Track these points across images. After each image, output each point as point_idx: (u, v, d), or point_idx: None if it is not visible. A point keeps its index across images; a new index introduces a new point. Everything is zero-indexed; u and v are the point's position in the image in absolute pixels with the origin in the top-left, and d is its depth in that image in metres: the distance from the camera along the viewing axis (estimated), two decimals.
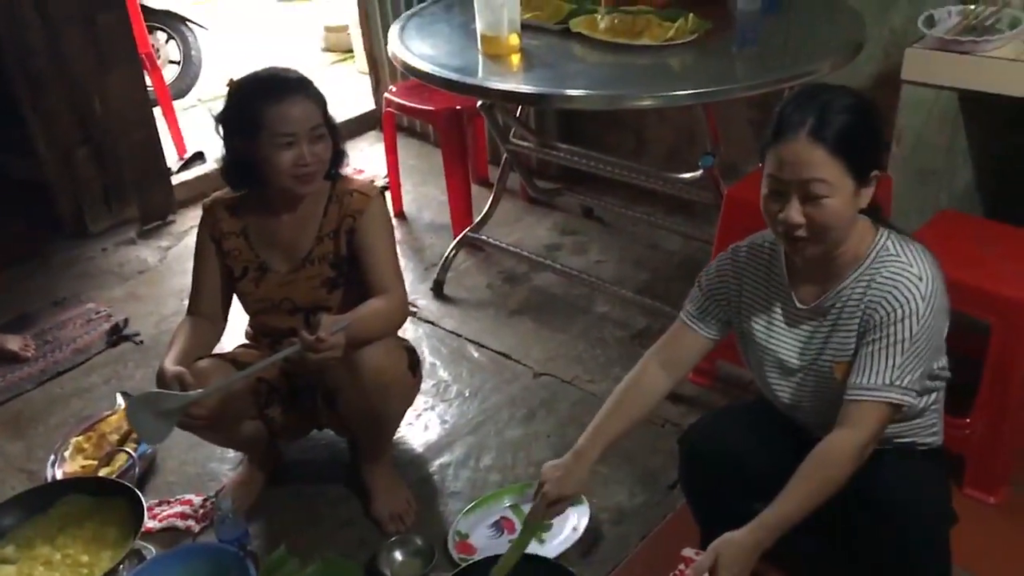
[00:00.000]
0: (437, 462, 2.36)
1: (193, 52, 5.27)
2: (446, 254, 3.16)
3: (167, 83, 4.54)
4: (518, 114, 3.13)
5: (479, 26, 2.51)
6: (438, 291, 3.11)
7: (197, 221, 2.12)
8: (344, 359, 1.91)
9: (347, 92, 4.90)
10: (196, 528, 2.17)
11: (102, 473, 2.26)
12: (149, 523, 2.14)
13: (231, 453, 2.38)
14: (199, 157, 4.11)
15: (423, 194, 3.81)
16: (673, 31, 2.48)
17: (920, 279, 1.46)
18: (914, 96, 2.32)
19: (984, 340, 1.99)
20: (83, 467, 2.31)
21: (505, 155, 3.20)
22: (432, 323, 2.96)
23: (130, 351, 2.93)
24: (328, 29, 6.04)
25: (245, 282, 2.07)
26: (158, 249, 3.56)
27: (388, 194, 3.68)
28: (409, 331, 2.91)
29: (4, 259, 3.46)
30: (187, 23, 5.21)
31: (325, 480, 2.31)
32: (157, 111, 3.96)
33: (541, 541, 2.05)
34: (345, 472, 2.30)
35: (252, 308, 2.12)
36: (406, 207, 3.70)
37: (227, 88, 1.99)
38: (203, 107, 5.07)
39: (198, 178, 3.91)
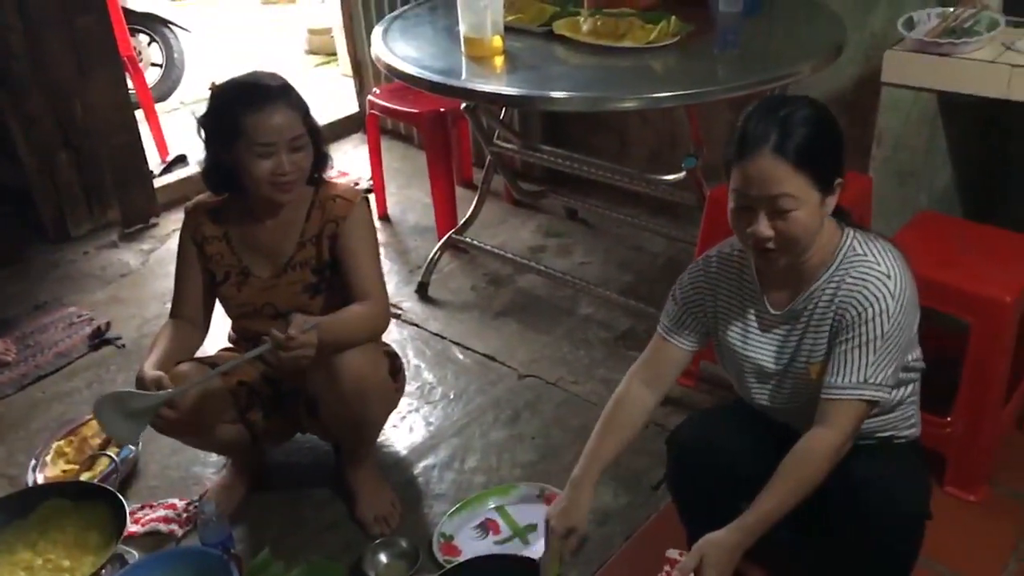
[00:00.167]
0: (422, 464, 2.36)
1: (175, 55, 5.25)
2: (431, 256, 3.16)
3: (149, 86, 4.52)
4: (502, 116, 3.14)
5: (462, 28, 2.52)
6: (423, 293, 3.11)
7: (179, 224, 2.11)
8: (323, 364, 1.91)
9: (331, 95, 4.89)
10: (179, 532, 2.16)
11: (84, 477, 2.25)
12: (132, 527, 2.13)
13: (214, 457, 2.37)
14: (181, 160, 4.09)
15: (407, 196, 3.80)
16: (655, 33, 2.49)
17: (888, 277, 1.48)
18: (894, 98, 2.34)
19: (964, 340, 2.01)
20: (64, 471, 2.30)
21: (489, 157, 3.20)
22: (417, 325, 2.96)
23: (112, 355, 2.91)
24: (312, 32, 6.04)
25: (227, 287, 2.06)
26: (140, 252, 3.54)
27: (372, 197, 3.67)
28: (394, 333, 2.90)
29: None
30: (169, 26, 5.19)
31: (309, 483, 2.30)
32: (139, 114, 3.95)
33: (526, 543, 2.06)
34: (329, 475, 2.29)
35: (234, 313, 2.11)
36: (390, 210, 3.70)
37: (209, 92, 1.98)
38: (186, 110, 5.06)
39: (180, 181, 3.89)
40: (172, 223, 3.66)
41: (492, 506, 2.17)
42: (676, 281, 1.75)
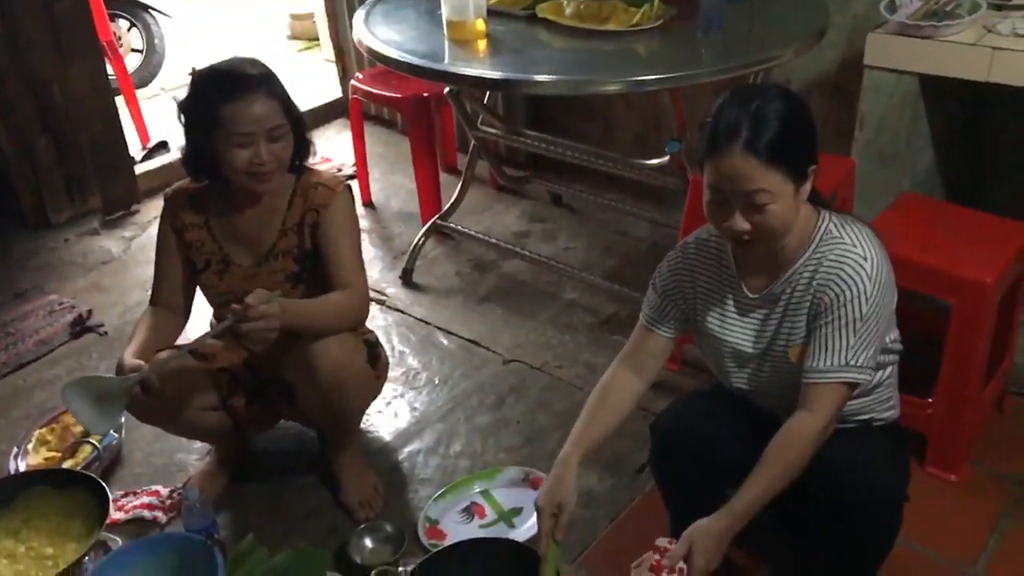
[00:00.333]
0: (407, 449, 2.36)
1: (156, 40, 5.19)
2: (415, 242, 3.15)
3: (130, 72, 4.47)
4: (485, 101, 3.12)
5: (445, 12, 2.50)
6: (407, 279, 3.10)
7: (161, 211, 2.09)
8: (299, 353, 1.91)
9: (313, 80, 4.85)
10: (163, 519, 2.15)
11: (66, 465, 2.23)
12: (115, 514, 2.12)
13: (198, 444, 2.36)
14: (163, 146, 4.06)
15: (391, 182, 3.79)
16: (639, 17, 2.49)
17: (865, 259, 1.49)
18: (876, 81, 2.34)
19: (945, 321, 2.03)
20: (47, 459, 2.28)
21: (473, 142, 3.19)
22: (401, 311, 2.95)
23: (94, 342, 2.89)
24: (294, 17, 5.98)
25: (208, 275, 2.04)
26: (122, 239, 3.51)
27: (356, 183, 3.67)
28: (378, 319, 2.90)
29: None
30: (150, 11, 5.13)
31: (293, 470, 2.30)
32: (120, 100, 3.91)
33: (511, 526, 2.07)
34: (313, 461, 2.29)
35: (215, 301, 2.09)
36: (374, 196, 3.68)
37: (189, 78, 1.96)
38: (167, 96, 5.01)
39: (162, 167, 3.86)
40: (154, 210, 3.62)
41: (477, 490, 2.18)
42: (656, 269, 1.75)
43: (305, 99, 4.37)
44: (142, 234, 3.52)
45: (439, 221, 3.20)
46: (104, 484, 1.95)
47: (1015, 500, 2.06)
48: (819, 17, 2.48)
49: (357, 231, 2.07)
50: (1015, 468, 2.14)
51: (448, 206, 3.23)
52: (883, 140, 2.42)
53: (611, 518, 2.10)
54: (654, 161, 2.77)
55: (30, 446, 2.34)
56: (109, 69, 3.79)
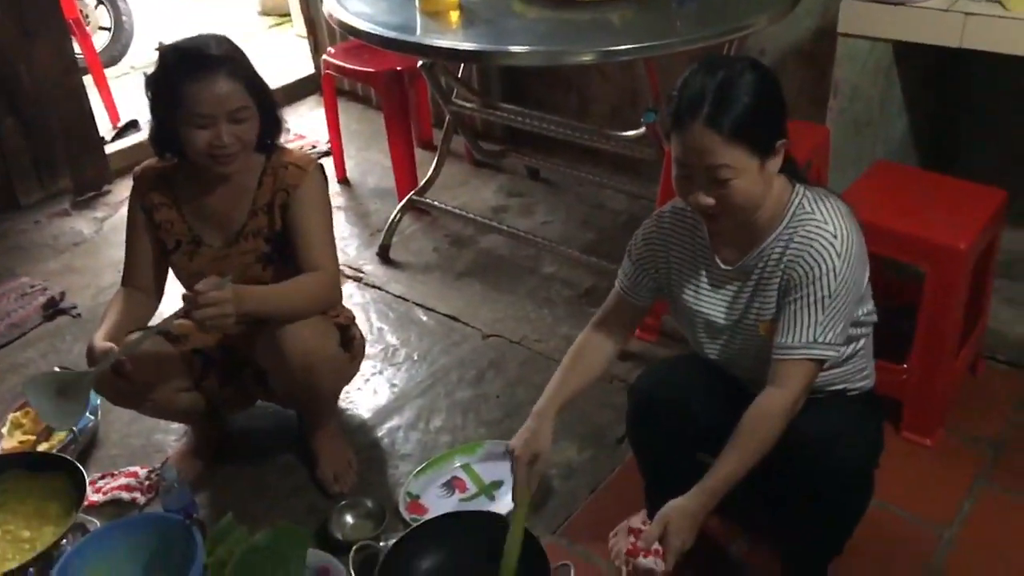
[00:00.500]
0: (387, 425, 2.36)
1: (124, 18, 5.10)
2: (391, 219, 3.12)
3: (98, 50, 4.39)
4: (460, 74, 3.09)
5: None
6: (384, 256, 3.08)
7: None
8: (268, 338, 1.89)
9: (285, 56, 4.80)
10: (141, 500, 2.14)
11: (41, 448, 2.21)
12: (93, 496, 2.11)
13: (175, 425, 2.34)
14: (133, 125, 4.00)
15: (366, 159, 3.75)
16: None
17: (836, 236, 1.48)
18: (850, 49, 2.34)
19: (919, 288, 2.04)
20: (22, 443, 2.25)
21: (448, 116, 3.16)
22: (379, 288, 2.93)
23: (67, 325, 2.85)
24: None
25: (178, 256, 2.01)
26: (94, 220, 3.47)
27: (330, 159, 3.64)
28: (356, 296, 2.88)
29: None
30: None
31: (273, 449, 2.28)
32: (88, 79, 3.84)
33: (492, 499, 2.07)
34: (292, 440, 2.28)
35: (187, 282, 2.05)
36: (349, 172, 3.65)
37: (157, 52, 1.92)
38: (136, 74, 4.93)
39: (133, 147, 3.80)
40: (125, 190, 3.54)
41: (458, 464, 2.18)
42: (632, 237, 1.75)
43: (277, 76, 4.33)
44: (114, 215, 3.47)
45: (415, 197, 3.17)
46: (80, 466, 1.93)
47: (989, 463, 2.09)
48: None
49: (329, 212, 2.03)
50: (989, 431, 2.17)
51: (424, 182, 3.21)
52: (857, 108, 2.42)
53: (591, 489, 2.11)
54: (630, 132, 2.76)
55: (4, 429, 2.31)
56: (76, 48, 3.72)
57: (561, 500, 2.08)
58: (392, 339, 2.69)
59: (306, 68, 4.46)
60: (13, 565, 1.75)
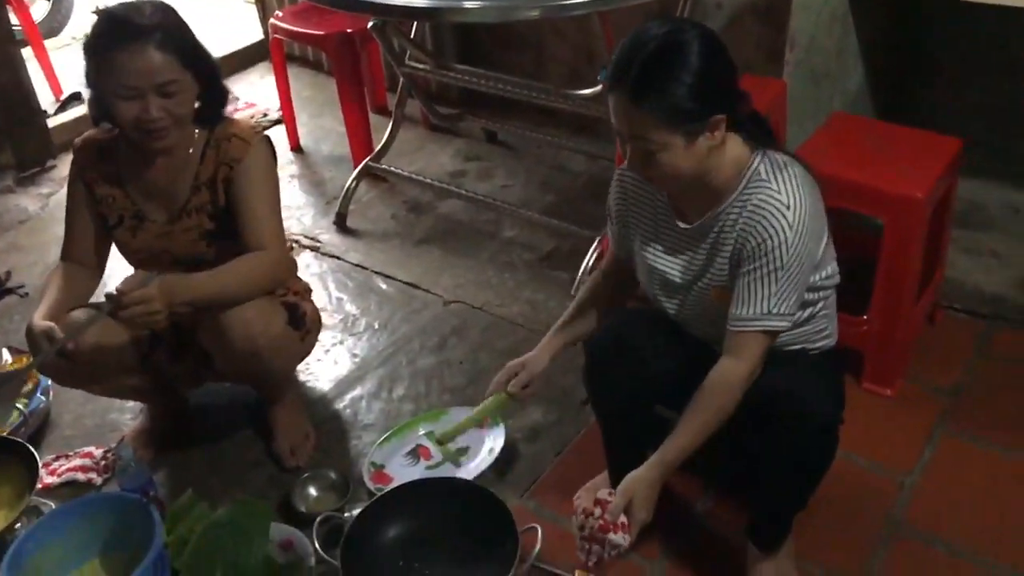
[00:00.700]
0: (349, 396, 2.32)
1: None
2: (347, 186, 3.06)
3: (36, 21, 4.23)
4: (412, 35, 3.02)
5: None
6: (341, 224, 3.02)
7: None
8: (210, 322, 1.82)
9: (234, 23, 4.66)
10: (98, 480, 2.08)
11: None
12: (47, 479, 2.05)
13: (131, 403, 2.29)
14: (76, 98, 3.87)
15: (320, 126, 3.67)
16: None
17: (788, 207, 1.45)
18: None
19: (879, 241, 2.04)
20: None
21: (402, 80, 3.09)
22: (336, 257, 2.88)
23: (15, 304, 2.77)
24: None
25: (121, 231, 1.93)
26: (38, 196, 3.36)
27: (283, 127, 3.55)
28: (313, 266, 2.83)
29: None
30: None
31: (232, 422, 2.24)
32: (27, 51, 3.69)
33: (458, 466, 2.05)
34: (252, 413, 2.23)
35: (131, 259, 1.99)
36: (303, 140, 3.57)
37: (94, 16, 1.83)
38: (78, 45, 4.75)
39: (76, 120, 3.67)
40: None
41: (422, 432, 2.15)
42: (608, 198, 1.75)
43: (225, 43, 4.22)
44: (59, 191, 3.36)
45: (371, 163, 3.11)
46: (32, 448, 1.88)
47: (948, 411, 2.11)
48: None
49: (275, 186, 1.94)
50: (947, 380, 2.19)
51: (379, 147, 3.15)
52: (814, 60, 2.40)
53: (557, 451, 2.10)
54: (587, 91, 2.72)
55: None
56: (13, 19, 3.58)
57: (527, 463, 2.07)
58: (352, 308, 2.65)
59: (255, 34, 4.34)
60: None
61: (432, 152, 3.43)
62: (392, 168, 3.14)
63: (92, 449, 2.17)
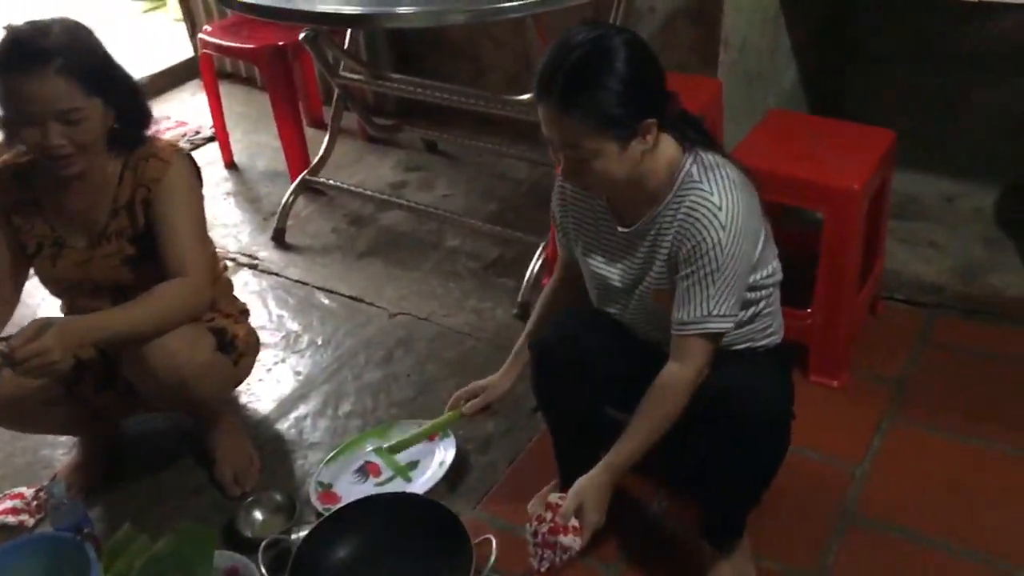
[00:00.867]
0: (293, 415, 2.26)
1: None
2: (284, 201, 3.00)
3: None
4: (346, 45, 2.97)
5: None
6: (279, 240, 2.95)
7: None
8: (132, 355, 1.75)
9: (162, 42, 4.55)
10: (30, 522, 1.97)
11: None
12: None
13: (63, 437, 2.18)
14: None
15: (255, 142, 3.60)
16: None
17: (720, 208, 1.44)
18: (737, 0, 2.33)
19: (819, 235, 2.05)
20: None
21: (337, 91, 3.04)
22: (276, 274, 2.81)
23: None
24: None
25: (41, 260, 1.83)
26: None
27: (216, 145, 3.47)
28: (251, 284, 2.76)
29: None
30: None
31: (170, 450, 2.15)
32: None
33: (408, 480, 2.00)
34: (191, 439, 2.15)
35: (52, 288, 1.89)
36: (237, 157, 3.49)
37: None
38: None
39: None
40: None
41: (370, 448, 2.10)
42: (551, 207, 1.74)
43: (154, 62, 4.12)
44: None
45: (308, 177, 3.05)
46: None
47: (894, 400, 2.13)
48: None
49: (197, 206, 1.86)
50: (892, 370, 2.21)
51: (316, 161, 3.09)
52: (748, 59, 2.42)
53: (510, 460, 2.06)
54: (525, 96, 2.70)
55: None
56: None
57: (480, 474, 2.03)
58: (293, 325, 2.58)
59: (185, 52, 4.25)
60: None
61: (371, 164, 3.38)
62: (330, 181, 3.08)
63: (23, 489, 2.05)
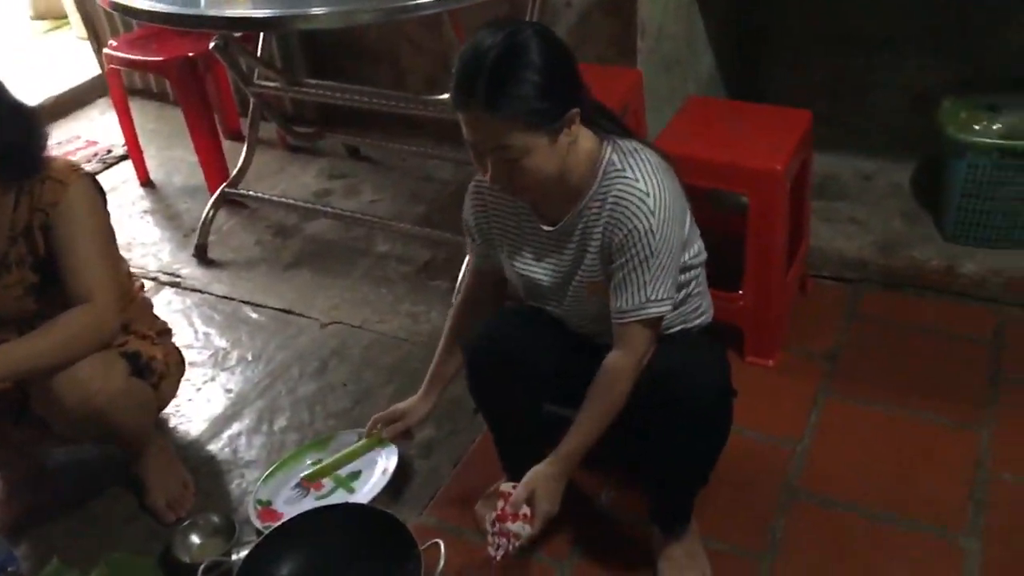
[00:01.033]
0: (226, 434, 2.18)
1: None
2: (204, 216, 2.91)
3: None
4: (259, 52, 2.90)
5: None
6: (202, 256, 2.86)
7: None
8: (38, 387, 1.66)
9: (66, 61, 4.39)
10: None
11: None
12: None
13: None
14: None
15: (170, 158, 3.49)
16: None
17: (647, 194, 1.44)
18: None
19: (745, 217, 2.07)
20: None
21: (252, 101, 2.96)
22: (200, 291, 2.72)
23: None
24: None
25: None
26: None
27: (130, 163, 3.36)
28: (175, 303, 2.67)
29: None
30: None
31: (98, 479, 2.06)
32: None
33: (351, 491, 1.95)
34: (120, 466, 2.05)
35: None
36: (153, 174, 3.38)
37: None
38: None
39: None
40: None
41: (309, 462, 2.04)
42: (463, 213, 1.69)
43: (60, 82, 3.97)
44: None
45: (228, 189, 2.96)
46: None
47: (827, 375, 2.17)
48: None
49: (101, 227, 1.77)
50: (823, 345, 2.25)
51: (235, 173, 3.00)
52: (665, 47, 2.44)
53: (454, 463, 2.03)
54: (446, 96, 2.66)
55: None
56: None
57: (424, 479, 1.99)
58: (221, 342, 2.50)
59: (92, 70, 4.10)
60: None
61: (293, 173, 3.31)
62: (252, 193, 3.00)
63: None
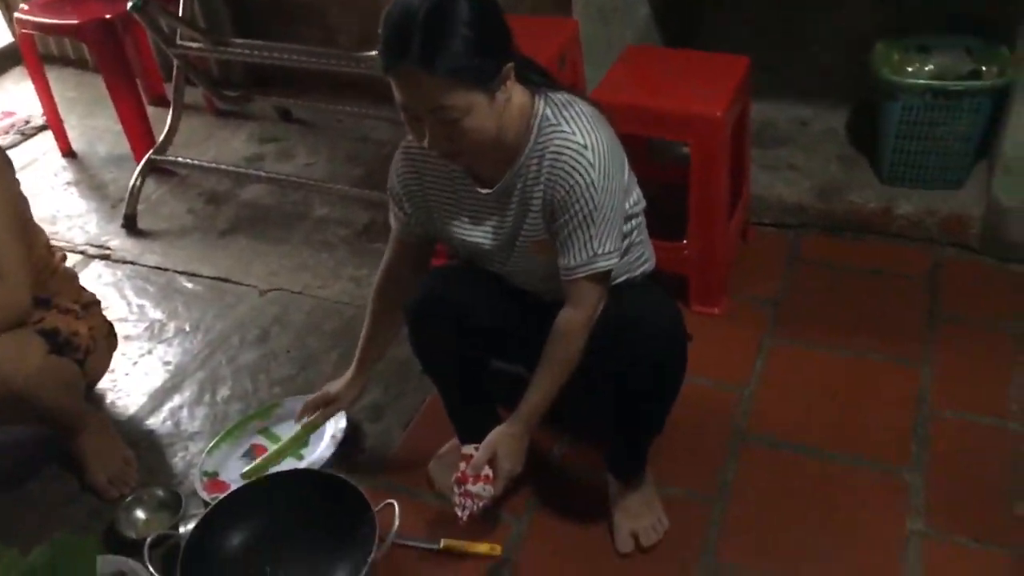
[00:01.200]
0: (167, 407, 2.12)
1: None
2: (131, 185, 2.79)
3: None
4: (180, 12, 2.78)
5: None
6: (131, 227, 2.76)
7: None
8: None
9: None
10: None
11: None
12: None
13: None
14: None
15: (92, 127, 3.34)
16: None
17: (586, 147, 1.41)
18: None
19: (687, 168, 2.07)
20: None
21: (176, 63, 2.85)
22: (131, 263, 2.63)
23: None
24: None
25: None
26: None
27: (50, 133, 3.21)
28: (105, 276, 2.57)
29: None
30: None
31: (35, 459, 1.99)
32: None
33: (300, 457, 1.91)
34: (56, 446, 1.98)
35: None
36: (75, 144, 3.24)
37: None
38: None
39: None
40: None
41: (255, 430, 1.99)
42: (388, 181, 1.62)
43: None
44: None
45: (155, 156, 2.85)
46: None
47: (771, 320, 2.19)
48: None
49: (6, 201, 1.70)
50: (766, 291, 2.28)
51: (162, 139, 2.89)
52: None
53: (404, 425, 2.01)
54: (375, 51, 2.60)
55: None
56: None
57: (375, 442, 1.97)
58: (157, 314, 2.42)
59: (3, 37, 3.89)
60: None
61: (223, 138, 3.20)
62: (180, 159, 2.90)
63: None
